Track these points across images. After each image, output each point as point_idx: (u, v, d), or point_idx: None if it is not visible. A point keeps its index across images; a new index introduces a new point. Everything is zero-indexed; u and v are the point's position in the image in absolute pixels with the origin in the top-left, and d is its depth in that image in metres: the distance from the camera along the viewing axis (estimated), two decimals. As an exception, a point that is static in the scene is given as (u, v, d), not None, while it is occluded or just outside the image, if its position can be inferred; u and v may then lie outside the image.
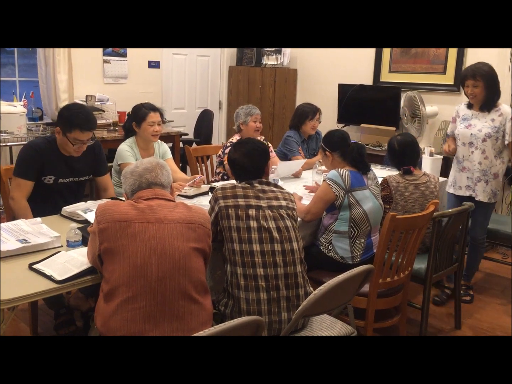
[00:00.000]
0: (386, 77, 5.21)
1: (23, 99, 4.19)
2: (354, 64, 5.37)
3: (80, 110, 2.51)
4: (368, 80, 5.29)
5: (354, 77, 5.32)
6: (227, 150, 3.45)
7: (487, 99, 3.02)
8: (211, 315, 1.80)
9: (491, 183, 3.08)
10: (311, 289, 1.99)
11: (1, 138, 3.62)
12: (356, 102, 5.19)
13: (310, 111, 3.84)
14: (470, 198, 3.11)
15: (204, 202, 2.60)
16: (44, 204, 2.51)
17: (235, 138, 3.53)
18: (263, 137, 3.67)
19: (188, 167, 4.18)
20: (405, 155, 2.82)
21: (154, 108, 3.03)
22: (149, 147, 3.11)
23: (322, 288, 1.73)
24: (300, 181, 3.38)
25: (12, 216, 2.57)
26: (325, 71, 5.68)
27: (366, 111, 5.14)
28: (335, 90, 5.39)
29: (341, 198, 2.47)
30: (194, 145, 4.92)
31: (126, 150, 2.97)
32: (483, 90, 2.98)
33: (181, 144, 4.99)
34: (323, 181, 2.57)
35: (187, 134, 5.40)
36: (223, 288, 2.04)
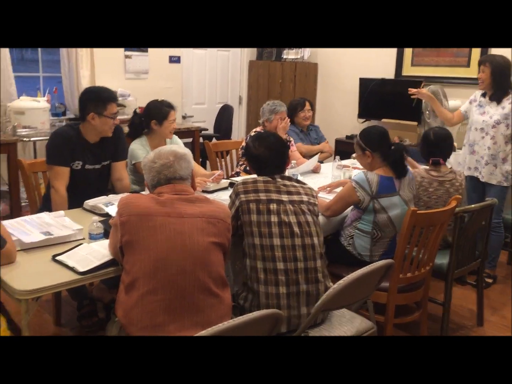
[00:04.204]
0: (408, 70, 5.14)
1: (46, 94, 4.26)
2: (376, 58, 5.31)
3: (98, 87, 2.65)
4: (389, 74, 5.23)
5: (375, 71, 5.27)
6: None
7: (494, 89, 3.20)
8: (230, 309, 1.82)
9: (500, 167, 3.26)
10: (331, 284, 1.98)
11: (25, 133, 3.69)
12: (377, 97, 5.14)
13: (298, 103, 4.15)
14: (474, 178, 3.38)
15: (223, 197, 2.60)
16: (73, 191, 2.53)
17: (260, 129, 3.58)
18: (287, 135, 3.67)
19: (208, 162, 4.20)
20: (437, 146, 2.79)
21: (172, 106, 3.03)
22: (161, 144, 3.10)
23: (342, 282, 1.72)
24: (318, 176, 3.36)
25: (36, 209, 2.62)
26: (346, 65, 5.64)
27: (387, 105, 5.08)
28: (356, 84, 5.34)
29: (366, 203, 2.40)
30: (214, 140, 4.94)
31: (138, 149, 2.96)
32: (489, 77, 3.18)
33: (201, 139, 5.01)
34: (349, 181, 2.50)
35: (207, 129, 5.42)
36: (243, 282, 2.05)
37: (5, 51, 4.02)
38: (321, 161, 3.87)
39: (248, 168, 3.51)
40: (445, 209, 2.41)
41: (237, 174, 3.53)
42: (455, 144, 3.66)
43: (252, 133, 3.55)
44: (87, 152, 2.60)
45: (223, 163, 3.84)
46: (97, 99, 2.52)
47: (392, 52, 5.20)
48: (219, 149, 3.85)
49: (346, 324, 2.01)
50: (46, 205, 2.52)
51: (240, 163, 3.64)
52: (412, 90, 3.58)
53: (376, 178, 2.41)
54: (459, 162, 3.60)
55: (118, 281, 1.81)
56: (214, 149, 3.80)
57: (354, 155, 3.15)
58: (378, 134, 2.56)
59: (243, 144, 3.59)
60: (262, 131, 3.51)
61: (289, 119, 3.64)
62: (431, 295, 2.69)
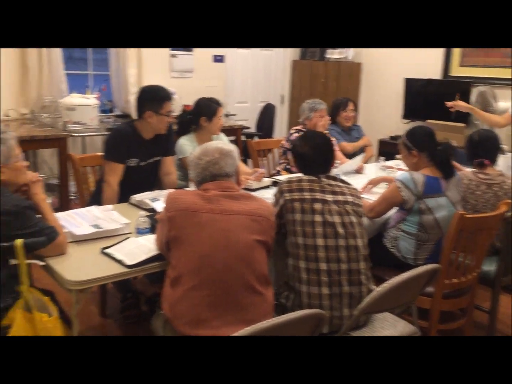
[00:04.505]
0: (456, 71, 5.01)
1: (95, 92, 4.39)
2: (422, 58, 5.19)
3: (156, 86, 2.71)
4: (436, 74, 5.11)
5: (421, 71, 5.16)
6: (292, 137, 3.51)
7: None
8: (273, 307, 1.83)
9: None
10: (374, 286, 1.96)
11: (75, 128, 3.81)
12: (423, 97, 5.04)
13: (341, 103, 4.08)
14: None
15: (266, 195, 2.60)
16: (125, 186, 2.60)
17: (300, 127, 3.61)
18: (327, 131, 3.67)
19: (249, 161, 4.22)
20: (481, 147, 2.70)
21: (220, 103, 3.10)
22: (208, 140, 3.14)
23: (386, 285, 1.71)
24: (361, 177, 3.32)
25: (85, 202, 2.71)
26: (391, 65, 5.54)
27: (433, 106, 4.96)
28: (400, 84, 5.25)
29: (411, 203, 2.35)
30: (255, 138, 4.96)
31: (185, 144, 3.02)
32: None
33: (242, 138, 5.04)
34: (393, 179, 2.48)
35: (249, 128, 5.45)
36: (284, 281, 2.05)
37: (57, 50, 4.16)
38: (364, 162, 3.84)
39: (288, 166, 3.55)
40: (494, 214, 2.34)
41: (278, 172, 3.54)
42: (505, 146, 3.55)
43: (292, 131, 3.59)
44: (143, 149, 2.67)
45: (265, 161, 3.85)
46: (155, 97, 2.61)
47: (439, 52, 5.08)
48: (261, 147, 3.87)
49: (389, 328, 1.98)
50: (96, 199, 2.60)
51: (281, 161, 3.66)
52: (449, 104, 3.50)
53: (422, 178, 2.36)
54: (508, 165, 3.48)
55: (161, 275, 1.85)
56: (256, 147, 3.82)
57: (398, 155, 3.10)
58: (424, 134, 2.52)
59: (283, 142, 3.62)
60: (302, 129, 3.55)
61: (329, 117, 3.64)
62: (477, 303, 2.62)
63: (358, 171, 3.44)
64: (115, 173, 2.58)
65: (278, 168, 3.64)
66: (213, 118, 3.03)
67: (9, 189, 1.80)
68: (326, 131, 3.57)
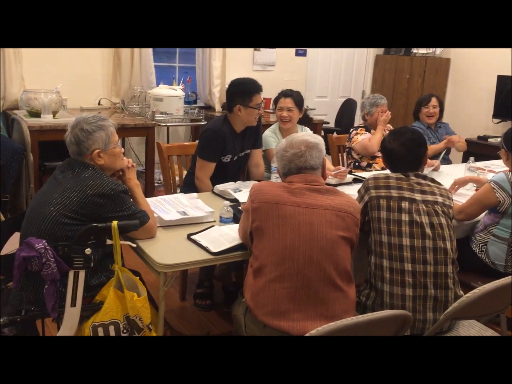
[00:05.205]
0: (557, 68, 4.65)
1: (181, 83, 4.53)
2: (519, 54, 4.88)
3: (244, 79, 2.70)
4: (533, 72, 4.77)
5: (517, 68, 4.84)
6: (352, 136, 3.52)
7: None
8: (354, 304, 1.80)
9: None
10: (461, 292, 1.88)
11: (162, 118, 3.96)
12: (517, 96, 4.73)
13: (423, 99, 3.88)
14: None
15: (347, 192, 2.56)
16: (217, 177, 2.66)
17: (360, 124, 3.62)
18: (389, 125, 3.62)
19: (328, 156, 4.18)
20: None
21: (286, 94, 3.03)
22: (291, 132, 3.14)
23: (477, 291, 1.63)
24: (446, 177, 3.17)
25: (170, 189, 2.82)
26: (483, 62, 5.25)
27: (528, 106, 4.66)
28: (492, 82, 4.97)
29: (506, 205, 2.24)
30: (334, 134, 4.89)
31: (270, 136, 3.06)
32: None
33: (322, 133, 5.00)
34: (487, 182, 2.36)
35: (328, 123, 5.39)
36: (365, 279, 2.02)
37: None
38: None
39: (357, 163, 3.49)
40: None
41: (350, 172, 3.46)
42: None
43: (352, 129, 3.59)
44: (236, 144, 2.72)
45: (345, 157, 3.80)
46: (243, 91, 2.62)
47: (538, 47, 4.74)
48: (341, 143, 3.81)
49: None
50: (186, 189, 2.67)
51: (349, 162, 3.60)
52: None
53: None
54: None
55: (240, 264, 1.87)
56: (336, 143, 3.77)
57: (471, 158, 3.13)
58: None
59: (346, 143, 3.62)
60: (362, 125, 3.56)
61: (389, 112, 3.56)
62: None
63: (435, 169, 3.30)
64: (206, 170, 2.65)
65: (349, 168, 3.57)
66: (275, 109, 3.08)
67: (106, 173, 1.90)
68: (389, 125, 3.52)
